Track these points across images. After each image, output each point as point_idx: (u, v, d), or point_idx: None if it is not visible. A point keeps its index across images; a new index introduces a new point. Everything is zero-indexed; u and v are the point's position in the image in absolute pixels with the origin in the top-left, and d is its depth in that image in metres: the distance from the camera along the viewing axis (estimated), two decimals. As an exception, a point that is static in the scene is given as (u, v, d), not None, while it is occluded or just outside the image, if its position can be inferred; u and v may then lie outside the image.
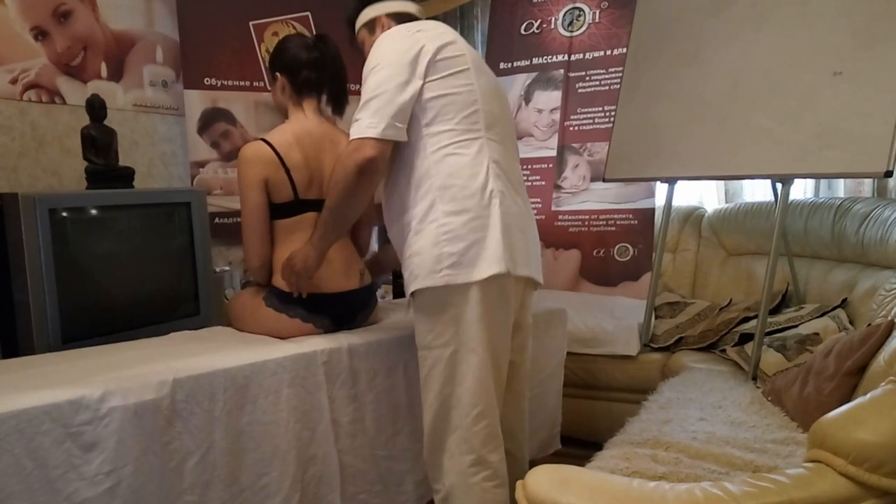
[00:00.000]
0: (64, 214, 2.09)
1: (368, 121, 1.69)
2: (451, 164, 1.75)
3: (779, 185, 2.46)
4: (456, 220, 1.72)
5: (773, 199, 2.98)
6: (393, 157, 1.81)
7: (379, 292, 3.39)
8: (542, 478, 1.29)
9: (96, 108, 2.40)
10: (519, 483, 1.32)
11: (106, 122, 2.45)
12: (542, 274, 1.94)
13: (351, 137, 1.71)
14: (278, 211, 1.98)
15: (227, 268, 2.90)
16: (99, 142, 2.39)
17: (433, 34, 1.78)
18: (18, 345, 2.05)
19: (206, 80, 2.99)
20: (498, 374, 1.82)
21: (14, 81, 2.56)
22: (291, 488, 1.75)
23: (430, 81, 1.73)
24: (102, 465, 1.46)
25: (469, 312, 1.73)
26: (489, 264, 1.72)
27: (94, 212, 2.21)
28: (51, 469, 1.41)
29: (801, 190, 3.34)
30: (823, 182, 3.29)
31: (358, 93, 3.23)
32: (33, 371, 1.66)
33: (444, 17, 3.91)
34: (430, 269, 1.73)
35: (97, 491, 1.45)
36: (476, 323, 1.74)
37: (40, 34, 2.64)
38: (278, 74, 2.05)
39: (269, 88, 2.99)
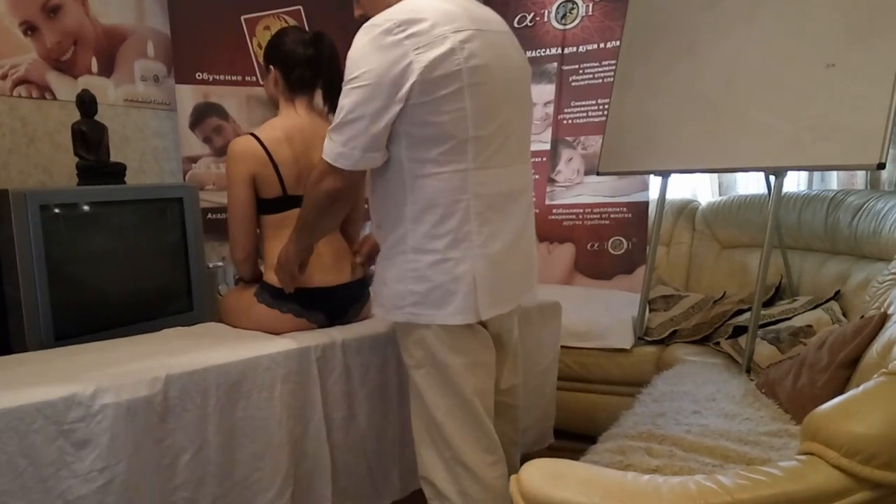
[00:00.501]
0: (55, 211, 2.07)
1: (340, 149, 1.55)
2: (426, 195, 1.58)
3: (772, 178, 2.47)
4: (423, 259, 1.60)
5: (766, 191, 2.99)
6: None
7: (372, 286, 3.38)
8: (536, 472, 1.29)
9: (87, 103, 2.38)
10: (513, 477, 1.32)
11: (97, 118, 2.43)
12: (534, 282, 1.85)
13: (323, 155, 1.59)
14: (266, 206, 1.98)
15: (220, 263, 2.89)
16: (89, 137, 2.37)
17: (429, 39, 1.48)
18: (10, 342, 2.03)
19: (197, 74, 2.97)
20: (482, 392, 1.72)
21: (3, 77, 2.54)
22: (284, 483, 1.75)
23: (412, 106, 1.51)
24: (95, 462, 1.45)
25: (437, 344, 1.64)
26: (455, 312, 1.60)
27: (85, 208, 2.20)
28: (44, 467, 1.41)
29: (795, 182, 3.35)
30: (817, 174, 3.30)
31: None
32: (25, 368, 1.65)
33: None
34: (394, 305, 1.66)
35: (91, 488, 1.45)
36: (446, 353, 1.65)
37: (29, 29, 2.62)
38: (271, 67, 2.04)
39: (261, 83, 2.99)
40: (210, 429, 1.64)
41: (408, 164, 1.58)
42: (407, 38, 1.48)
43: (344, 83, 1.55)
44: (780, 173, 2.39)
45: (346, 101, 1.54)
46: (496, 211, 1.63)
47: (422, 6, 1.53)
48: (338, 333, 1.92)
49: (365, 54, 1.51)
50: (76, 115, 2.40)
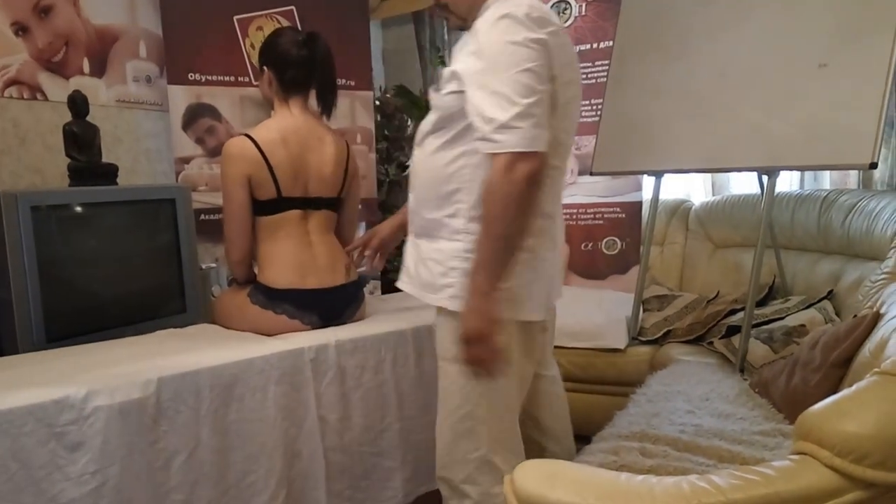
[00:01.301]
0: (47, 212, 2.06)
1: (533, 132, 1.45)
2: None
3: (765, 178, 2.47)
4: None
5: (759, 191, 2.99)
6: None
7: (367, 287, 3.38)
8: (530, 473, 1.29)
9: (78, 104, 2.37)
10: (507, 478, 1.32)
11: (89, 119, 2.42)
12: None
13: (507, 148, 1.45)
14: (261, 208, 1.97)
15: (213, 265, 2.88)
16: (81, 138, 2.36)
17: (555, 27, 1.53)
18: (2, 344, 2.02)
19: (190, 75, 2.96)
20: (521, 394, 1.71)
21: (-5, 78, 2.53)
22: (278, 485, 1.75)
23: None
24: (88, 464, 1.45)
25: (508, 342, 1.58)
26: (534, 308, 1.62)
27: (77, 209, 2.19)
28: (35, 469, 1.40)
29: (788, 182, 3.36)
30: (809, 174, 3.31)
31: (346, 88, 3.22)
32: (17, 371, 1.65)
33: (431, 10, 3.89)
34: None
35: (83, 491, 1.45)
36: (519, 351, 1.62)
37: (21, 29, 2.60)
38: (266, 68, 2.04)
39: (254, 83, 2.98)
40: (203, 431, 1.64)
41: None
42: (543, 25, 1.50)
43: (492, 72, 1.47)
44: (772, 173, 2.40)
45: (514, 86, 1.46)
46: (554, 209, 1.68)
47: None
48: (332, 335, 1.92)
49: (517, 42, 1.47)
50: (68, 116, 2.39)
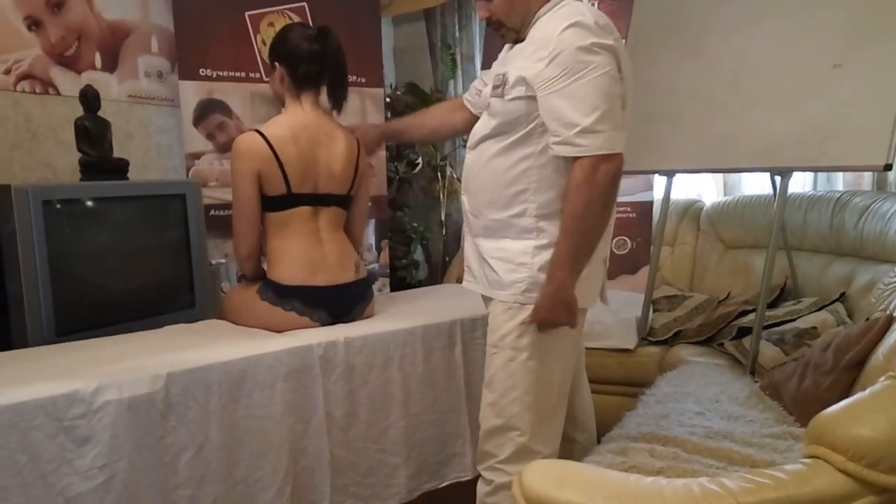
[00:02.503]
0: (58, 206, 2.07)
1: (612, 134, 1.57)
2: None
3: (777, 179, 2.45)
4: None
5: (771, 192, 2.97)
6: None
7: (376, 285, 3.38)
8: (539, 473, 1.28)
9: (90, 98, 2.38)
10: (515, 479, 1.31)
11: (100, 114, 2.42)
12: None
13: (590, 152, 1.56)
14: (271, 204, 1.97)
15: (222, 260, 2.88)
16: (93, 133, 2.36)
17: (623, 48, 1.65)
18: (12, 338, 2.03)
19: (201, 70, 2.96)
20: (568, 381, 1.83)
21: (7, 72, 2.53)
22: (284, 481, 1.75)
23: None
24: (96, 459, 1.46)
25: (563, 334, 1.72)
26: (590, 297, 1.75)
27: (88, 204, 2.19)
28: (44, 463, 1.41)
29: (801, 183, 3.33)
30: (822, 175, 3.28)
31: (357, 85, 3.22)
32: (27, 365, 1.65)
33: (443, 7, 3.89)
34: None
35: (91, 485, 1.45)
36: (570, 341, 1.75)
37: (34, 24, 2.61)
38: (277, 64, 2.03)
39: (265, 79, 2.98)
40: (212, 427, 1.64)
41: None
42: (609, 31, 1.62)
43: (569, 77, 1.55)
44: (785, 174, 2.38)
45: (593, 91, 1.55)
46: None
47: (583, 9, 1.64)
48: (340, 332, 1.91)
49: (590, 47, 1.55)
50: (80, 111, 2.40)
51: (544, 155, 1.65)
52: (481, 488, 1.78)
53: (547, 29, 1.61)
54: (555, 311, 1.65)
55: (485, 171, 1.74)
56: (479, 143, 1.76)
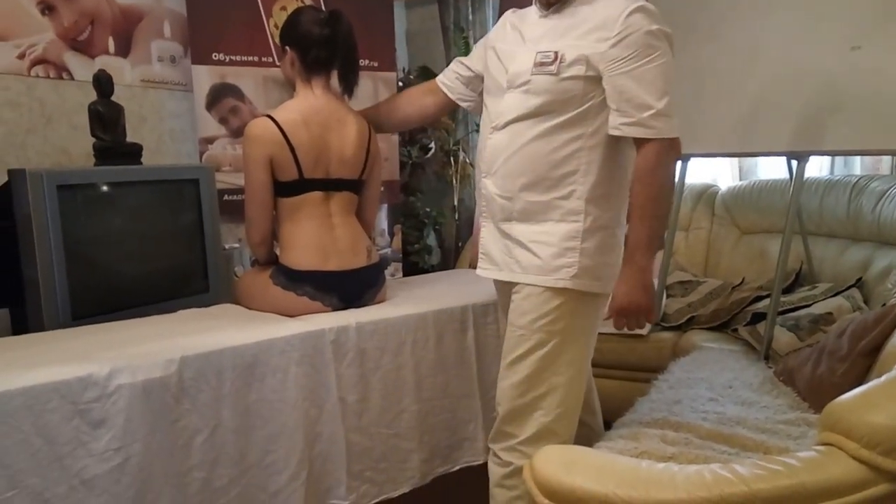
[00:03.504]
0: (72, 191, 2.07)
1: (674, 121, 1.62)
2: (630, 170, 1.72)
3: (794, 163, 2.43)
4: (620, 233, 1.75)
5: (788, 176, 2.94)
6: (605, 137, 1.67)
7: (388, 270, 3.38)
8: (550, 458, 1.28)
9: (103, 83, 2.38)
10: (526, 464, 1.32)
11: (114, 98, 2.43)
12: None
13: (662, 135, 1.59)
14: (283, 189, 1.97)
15: (236, 245, 2.89)
16: (106, 118, 2.37)
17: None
18: (28, 321, 2.05)
19: (213, 55, 2.96)
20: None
21: (21, 57, 2.54)
22: (298, 465, 1.76)
23: None
24: (111, 441, 1.47)
25: (600, 314, 1.76)
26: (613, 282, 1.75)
27: (102, 188, 2.20)
28: (60, 446, 1.42)
29: (818, 167, 3.29)
30: (839, 159, 3.24)
31: (369, 69, 3.21)
32: (42, 348, 1.67)
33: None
34: (595, 276, 1.70)
35: (106, 467, 1.46)
36: (597, 324, 1.79)
37: (47, 8, 2.61)
38: (288, 48, 2.03)
39: (277, 64, 2.97)
40: (225, 410, 1.65)
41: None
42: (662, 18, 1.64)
43: (639, 60, 1.57)
44: (801, 158, 2.35)
45: (663, 76, 1.59)
46: None
47: None
48: (352, 317, 1.92)
49: (657, 33, 1.59)
50: (94, 96, 2.40)
51: (595, 136, 1.65)
52: (497, 470, 1.77)
53: (608, 10, 1.61)
54: (638, 296, 1.64)
55: (523, 153, 1.70)
56: (512, 124, 1.71)
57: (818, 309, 2.49)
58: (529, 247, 1.71)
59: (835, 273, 2.78)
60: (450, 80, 2.02)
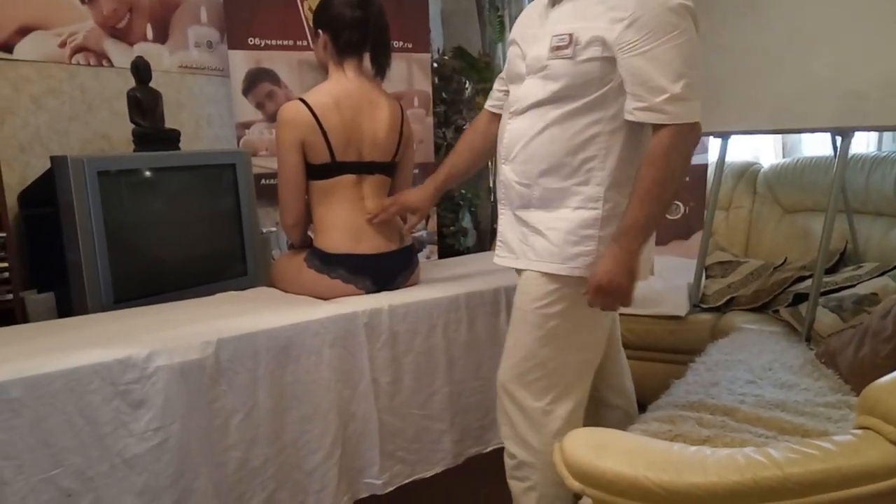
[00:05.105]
0: (112, 177, 2.12)
1: (697, 104, 1.53)
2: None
3: (838, 139, 2.35)
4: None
5: (832, 153, 2.86)
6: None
7: (423, 252, 3.39)
8: (580, 441, 1.28)
9: (141, 70, 2.42)
10: (556, 446, 1.31)
11: (152, 85, 2.47)
12: None
13: (678, 120, 1.51)
14: (315, 172, 1.98)
15: (273, 229, 2.93)
16: (144, 104, 2.41)
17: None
18: (72, 305, 2.11)
19: (249, 39, 2.98)
20: (602, 347, 1.79)
21: (63, 45, 2.60)
22: (333, 445, 1.78)
23: None
24: (151, 422, 1.51)
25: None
26: (646, 269, 1.72)
27: (141, 174, 2.25)
28: (101, 426, 1.46)
29: (864, 143, 3.19)
30: (887, 135, 3.14)
31: (403, 50, 3.20)
32: (84, 331, 1.71)
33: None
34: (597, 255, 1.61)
35: (146, 447, 1.50)
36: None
37: (86, -3, 2.66)
38: (320, 31, 2.03)
39: (311, 47, 2.98)
40: (260, 391, 1.68)
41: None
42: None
43: (656, 39, 1.48)
44: (846, 133, 2.28)
45: (680, 56, 1.50)
46: None
47: None
48: (385, 299, 1.93)
49: (677, 8, 1.51)
50: (133, 83, 2.44)
51: (616, 120, 1.58)
52: (507, 461, 1.76)
53: None
54: (620, 277, 1.55)
55: (541, 139, 1.64)
56: (530, 109, 1.66)
57: (862, 289, 2.42)
58: (545, 233, 1.65)
59: (881, 252, 2.71)
60: (497, 99, 1.93)
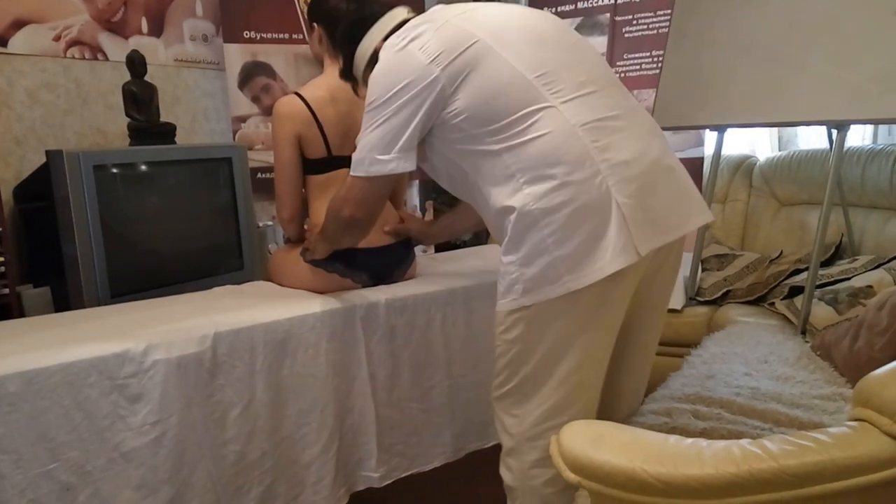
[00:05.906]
0: (108, 171, 2.12)
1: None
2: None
3: (835, 132, 2.36)
4: (559, 214, 1.39)
5: (828, 146, 2.86)
6: None
7: (420, 247, 3.39)
8: (577, 434, 1.28)
9: (136, 63, 2.41)
10: (553, 438, 1.31)
11: (148, 78, 2.46)
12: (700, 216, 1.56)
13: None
14: (312, 167, 1.98)
15: (269, 223, 2.93)
16: (140, 98, 2.41)
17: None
18: (69, 299, 2.11)
19: (245, 33, 2.98)
20: (591, 377, 1.52)
21: (57, 38, 2.59)
22: (330, 438, 1.79)
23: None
24: (148, 415, 1.51)
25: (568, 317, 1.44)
26: (611, 258, 1.37)
27: (137, 168, 2.24)
28: (99, 419, 1.46)
29: (860, 136, 3.20)
30: (883, 128, 3.14)
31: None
32: (81, 325, 1.71)
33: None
34: (546, 280, 1.41)
35: (144, 440, 1.50)
36: (571, 328, 1.45)
37: (81, -10, 2.65)
38: (316, 25, 2.02)
39: (307, 40, 2.97)
40: (258, 385, 1.68)
41: None
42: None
43: None
44: (842, 126, 2.28)
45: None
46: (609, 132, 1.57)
47: None
48: (381, 294, 1.93)
49: None
50: (128, 76, 2.44)
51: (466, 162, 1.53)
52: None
53: None
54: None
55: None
56: None
57: (858, 282, 2.43)
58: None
59: (876, 245, 2.72)
60: None
